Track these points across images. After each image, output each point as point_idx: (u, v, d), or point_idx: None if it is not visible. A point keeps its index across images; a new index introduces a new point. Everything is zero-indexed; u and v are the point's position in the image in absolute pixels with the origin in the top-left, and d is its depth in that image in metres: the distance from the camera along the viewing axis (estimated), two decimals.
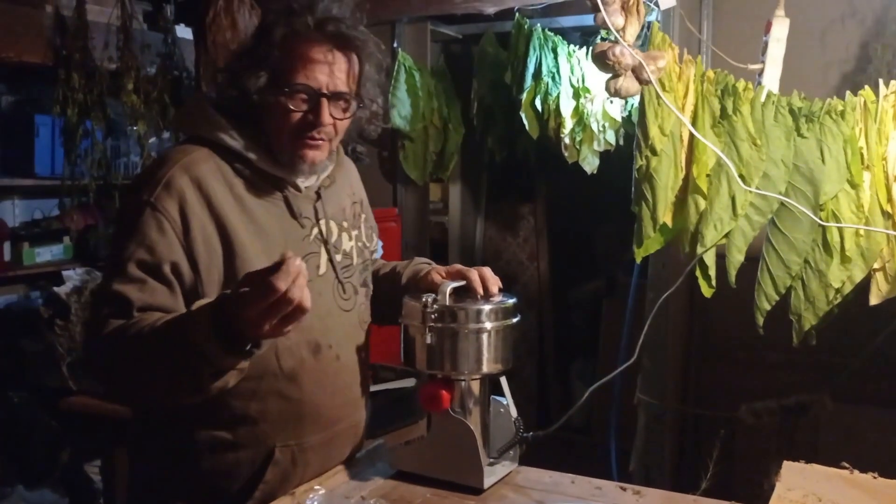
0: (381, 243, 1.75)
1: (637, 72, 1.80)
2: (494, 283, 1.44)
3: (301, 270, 1.04)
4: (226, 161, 1.34)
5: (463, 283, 1.44)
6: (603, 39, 2.47)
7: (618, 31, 1.76)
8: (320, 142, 1.35)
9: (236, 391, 1.27)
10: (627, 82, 1.81)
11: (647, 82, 1.82)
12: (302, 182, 1.40)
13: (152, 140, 3.15)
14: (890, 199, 1.90)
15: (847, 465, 1.39)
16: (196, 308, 1.16)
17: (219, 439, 1.34)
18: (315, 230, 1.41)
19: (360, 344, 1.48)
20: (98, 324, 1.23)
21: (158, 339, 1.16)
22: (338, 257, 1.44)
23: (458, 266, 1.49)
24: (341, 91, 1.34)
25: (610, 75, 1.82)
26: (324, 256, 1.41)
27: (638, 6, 1.78)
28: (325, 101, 1.32)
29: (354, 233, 1.50)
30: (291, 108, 1.32)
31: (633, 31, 1.79)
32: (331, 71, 1.33)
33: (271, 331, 1.08)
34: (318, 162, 1.38)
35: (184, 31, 3.07)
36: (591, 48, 2.62)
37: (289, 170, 1.38)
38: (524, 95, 3.19)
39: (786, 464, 1.39)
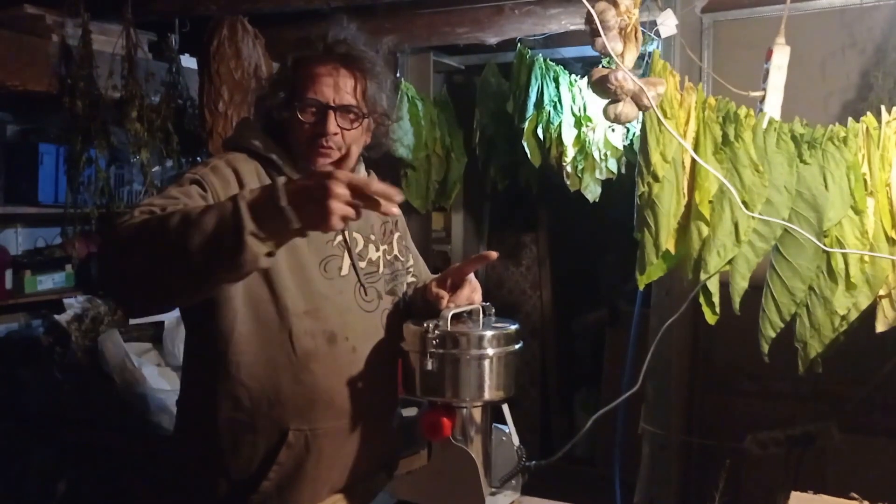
0: (425, 267, 1.80)
1: (637, 97, 1.80)
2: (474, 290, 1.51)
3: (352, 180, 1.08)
4: (260, 163, 1.51)
5: (465, 308, 1.44)
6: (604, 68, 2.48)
7: (617, 56, 1.77)
8: (330, 150, 1.49)
9: (254, 373, 1.40)
10: (627, 107, 1.81)
11: (647, 108, 1.83)
12: None
13: (156, 168, 3.15)
14: (894, 225, 1.89)
15: (856, 496, 1.37)
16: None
17: (239, 422, 1.44)
18: (338, 238, 1.53)
19: (382, 343, 1.53)
20: (119, 223, 1.23)
21: (186, 215, 1.14)
22: (361, 264, 1.55)
23: (449, 269, 1.53)
24: (347, 104, 1.49)
25: (608, 101, 1.83)
26: (346, 261, 1.53)
27: (636, 32, 1.79)
28: (331, 113, 1.47)
29: (383, 247, 1.62)
30: (302, 119, 1.48)
31: (631, 56, 1.80)
32: (336, 86, 1.48)
33: (307, 216, 1.09)
34: None
35: (188, 61, 3.09)
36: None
37: None
38: (526, 124, 3.20)
39: (794, 494, 1.37)
